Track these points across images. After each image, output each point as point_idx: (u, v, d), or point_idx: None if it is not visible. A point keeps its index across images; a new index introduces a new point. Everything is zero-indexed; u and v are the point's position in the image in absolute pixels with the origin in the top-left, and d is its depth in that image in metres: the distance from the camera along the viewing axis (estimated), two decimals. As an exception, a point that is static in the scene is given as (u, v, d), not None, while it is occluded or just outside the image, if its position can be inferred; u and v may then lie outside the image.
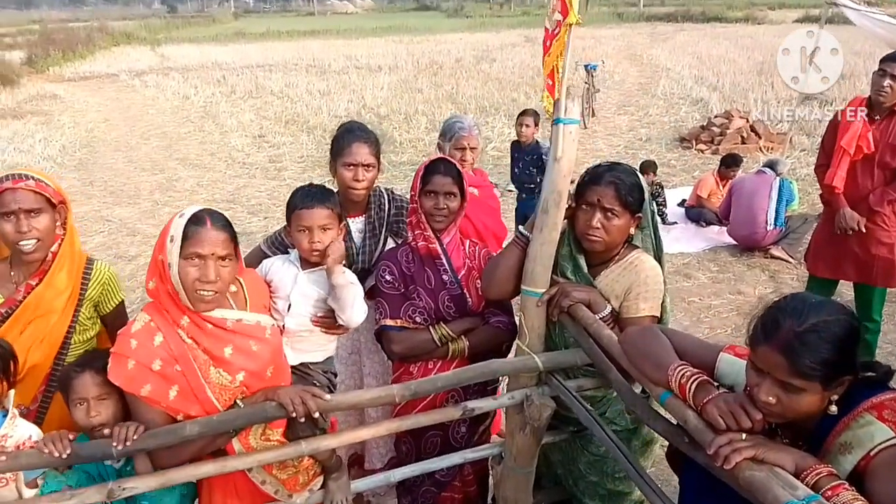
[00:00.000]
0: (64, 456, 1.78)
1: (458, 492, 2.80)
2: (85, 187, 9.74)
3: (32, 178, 2.16)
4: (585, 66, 12.54)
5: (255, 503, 2.22)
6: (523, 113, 6.09)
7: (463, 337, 2.58)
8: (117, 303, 2.46)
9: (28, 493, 1.90)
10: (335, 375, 2.51)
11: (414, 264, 2.60)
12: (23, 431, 1.91)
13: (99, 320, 2.44)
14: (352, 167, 2.69)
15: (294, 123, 13.61)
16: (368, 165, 2.72)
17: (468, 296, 2.60)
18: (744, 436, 1.50)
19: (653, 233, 2.40)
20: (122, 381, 1.92)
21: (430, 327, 2.57)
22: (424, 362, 2.61)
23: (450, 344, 2.57)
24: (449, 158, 2.73)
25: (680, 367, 1.70)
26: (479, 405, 2.38)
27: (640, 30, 32.76)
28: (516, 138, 6.19)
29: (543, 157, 5.80)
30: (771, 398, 1.49)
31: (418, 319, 2.57)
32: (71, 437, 1.82)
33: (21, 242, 2.13)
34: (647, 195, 2.33)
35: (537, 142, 6.08)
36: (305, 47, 28.47)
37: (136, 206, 8.82)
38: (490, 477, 2.90)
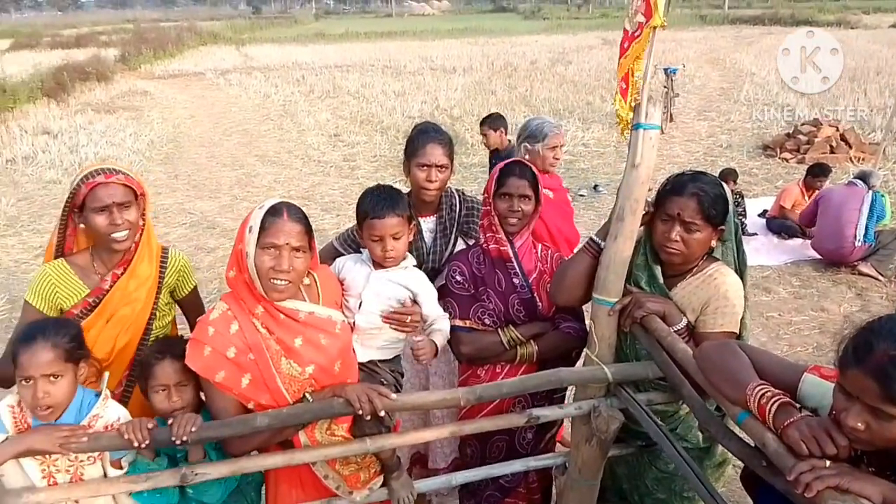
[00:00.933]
0: (143, 446, 1.86)
1: (522, 498, 2.77)
2: (170, 181, 10.19)
3: (121, 171, 2.25)
4: (665, 70, 12.24)
5: (317, 496, 2.26)
6: (482, 122, 5.93)
7: (532, 341, 2.55)
8: (192, 287, 2.56)
9: (113, 472, 1.99)
10: (402, 375, 2.52)
11: (485, 266, 2.59)
12: (112, 413, 2.01)
13: (175, 305, 2.54)
14: (425, 168, 2.71)
15: (368, 123, 13.83)
16: (442, 166, 2.73)
17: (538, 300, 2.57)
18: (827, 463, 1.43)
19: (735, 246, 2.30)
20: (198, 366, 1.99)
21: (499, 330, 2.55)
22: (492, 365, 2.59)
23: (518, 348, 2.55)
24: (524, 161, 2.71)
25: (759, 387, 1.63)
26: (545, 413, 2.34)
27: (723, 33, 31.85)
28: (495, 147, 5.97)
29: None
30: (860, 424, 1.41)
31: (487, 321, 2.56)
32: (150, 425, 1.88)
33: (114, 234, 2.22)
34: (731, 207, 2.24)
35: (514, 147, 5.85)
36: (382, 48, 29.00)
37: (217, 200, 9.14)
38: (553, 486, 2.85)
